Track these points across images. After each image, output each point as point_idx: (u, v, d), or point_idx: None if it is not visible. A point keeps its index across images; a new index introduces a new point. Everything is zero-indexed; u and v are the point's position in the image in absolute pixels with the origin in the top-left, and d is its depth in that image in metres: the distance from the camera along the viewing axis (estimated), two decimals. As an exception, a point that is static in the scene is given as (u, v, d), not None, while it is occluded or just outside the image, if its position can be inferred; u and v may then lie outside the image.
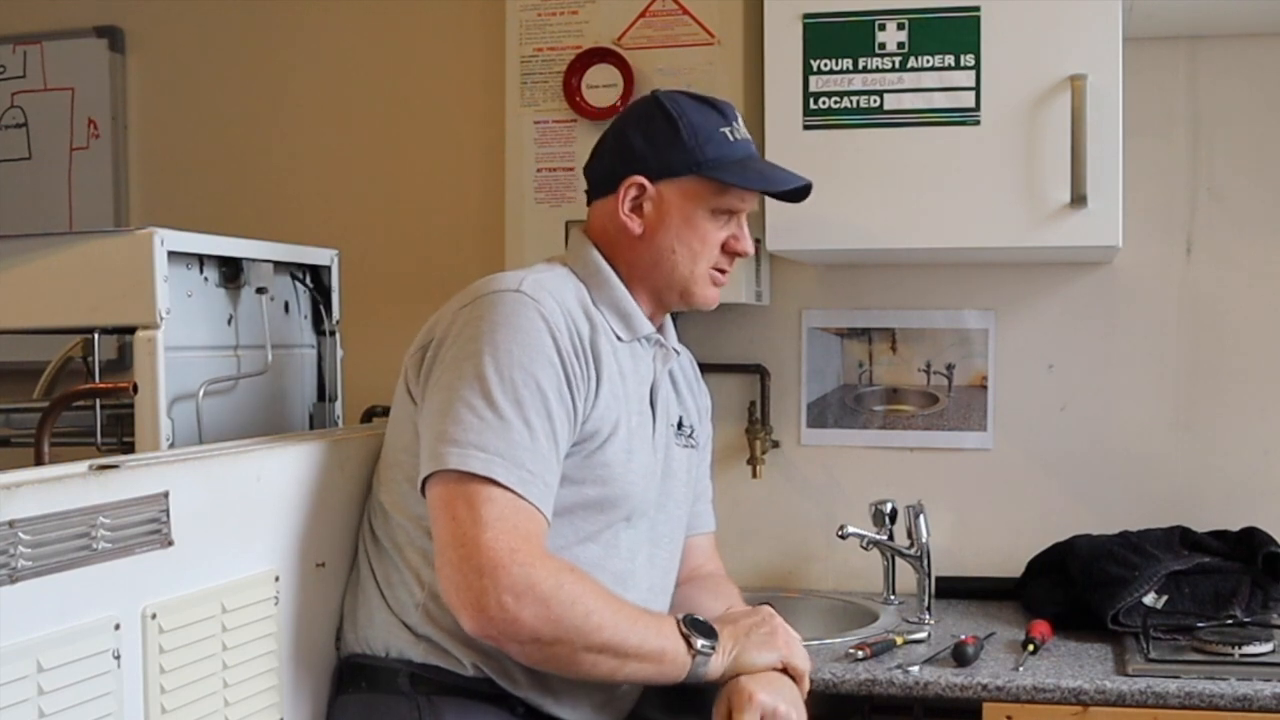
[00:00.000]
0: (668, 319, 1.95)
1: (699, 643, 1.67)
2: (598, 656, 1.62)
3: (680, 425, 1.95)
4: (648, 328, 1.86)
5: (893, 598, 2.49)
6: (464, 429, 1.62)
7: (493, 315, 1.69)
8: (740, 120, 1.87)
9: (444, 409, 1.65)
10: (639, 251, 1.83)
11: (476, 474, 1.60)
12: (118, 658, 1.40)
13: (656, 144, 1.82)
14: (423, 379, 1.73)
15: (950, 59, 2.21)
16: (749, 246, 1.87)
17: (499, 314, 1.69)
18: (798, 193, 1.92)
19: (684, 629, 1.68)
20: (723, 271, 1.87)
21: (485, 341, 1.67)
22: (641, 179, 1.81)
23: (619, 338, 1.81)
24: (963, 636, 2.09)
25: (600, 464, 1.74)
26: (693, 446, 1.97)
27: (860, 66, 2.24)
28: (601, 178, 1.87)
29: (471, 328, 1.69)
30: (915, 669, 2.01)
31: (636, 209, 1.82)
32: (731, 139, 1.84)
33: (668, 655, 1.66)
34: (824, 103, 2.25)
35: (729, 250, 1.85)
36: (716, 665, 1.69)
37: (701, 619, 1.72)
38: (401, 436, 1.76)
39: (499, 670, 1.71)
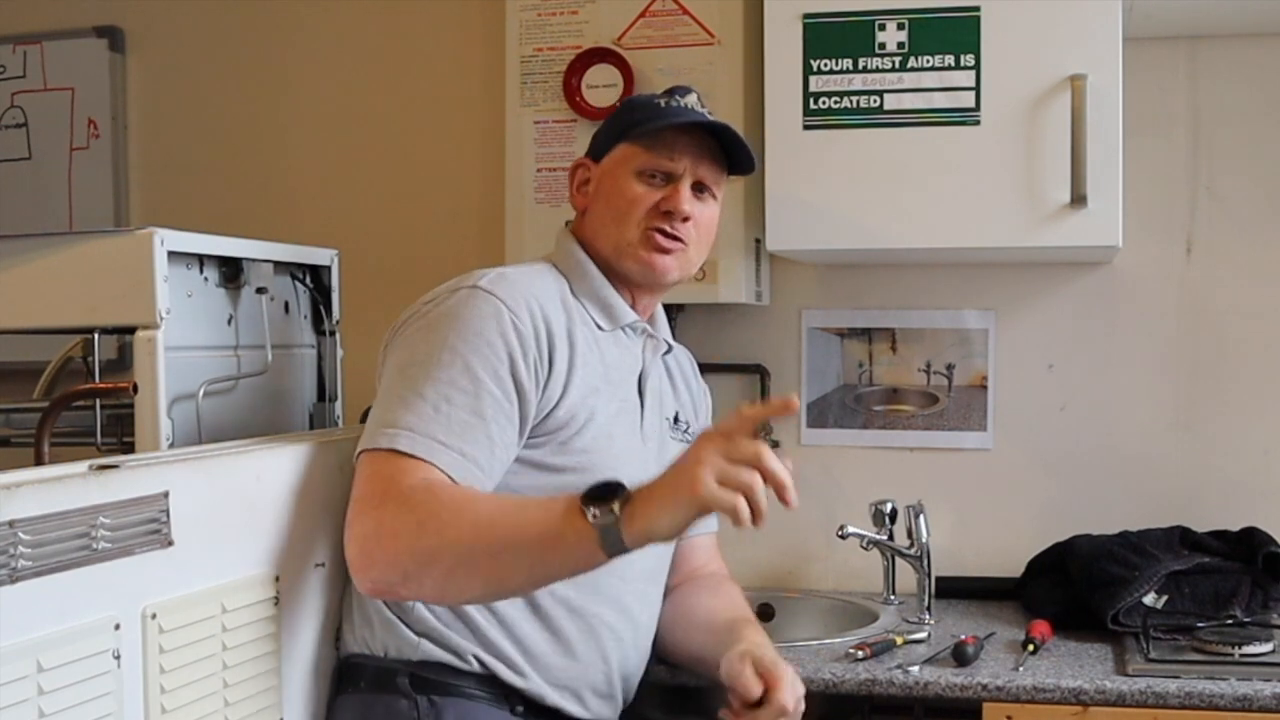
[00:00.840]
0: (660, 311, 1.97)
1: (591, 511, 1.44)
2: (479, 563, 1.51)
3: (676, 420, 1.95)
4: (630, 316, 1.87)
5: (893, 598, 2.49)
6: (386, 411, 1.65)
7: (437, 311, 1.72)
8: (694, 98, 1.88)
9: (379, 398, 1.69)
10: (589, 228, 1.88)
11: (380, 448, 1.61)
12: (118, 658, 1.40)
13: (603, 130, 1.91)
14: (378, 371, 1.77)
15: (950, 59, 2.21)
16: (679, 203, 1.82)
17: (444, 309, 1.72)
18: (745, 162, 1.90)
19: (581, 503, 1.46)
20: (665, 235, 1.83)
21: (421, 334, 1.70)
22: (586, 160, 1.91)
23: (600, 327, 1.83)
24: (963, 636, 2.08)
25: (578, 450, 1.74)
26: (689, 442, 1.96)
27: (860, 66, 2.24)
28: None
29: (419, 321, 1.73)
30: (915, 669, 2.01)
31: (584, 190, 1.90)
32: (663, 105, 1.86)
33: (564, 537, 1.46)
34: (824, 103, 2.25)
35: (661, 209, 1.83)
36: (636, 532, 1.44)
37: (603, 482, 1.47)
38: None
39: (502, 660, 1.71)
